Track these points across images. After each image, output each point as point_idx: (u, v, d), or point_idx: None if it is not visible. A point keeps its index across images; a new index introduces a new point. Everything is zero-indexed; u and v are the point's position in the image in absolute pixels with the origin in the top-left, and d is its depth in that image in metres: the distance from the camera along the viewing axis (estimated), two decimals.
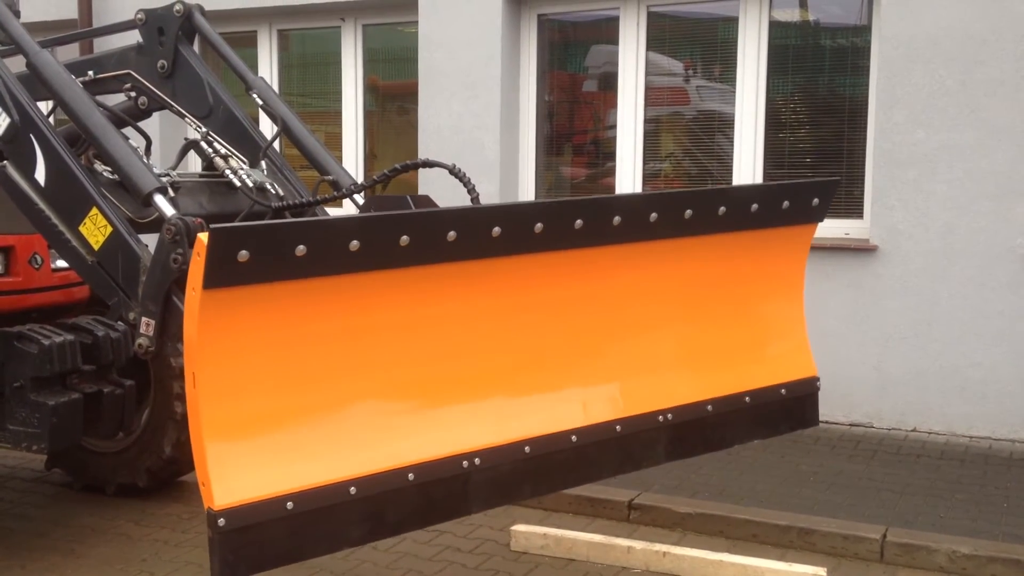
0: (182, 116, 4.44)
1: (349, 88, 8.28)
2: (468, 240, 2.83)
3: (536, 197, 7.65)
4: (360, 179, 8.29)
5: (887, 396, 6.47)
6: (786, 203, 3.52)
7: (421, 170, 7.58)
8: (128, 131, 4.17)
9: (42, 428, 4.29)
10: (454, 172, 3.64)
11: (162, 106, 4.52)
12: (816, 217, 3.67)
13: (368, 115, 8.39)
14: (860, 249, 6.47)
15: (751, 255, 3.58)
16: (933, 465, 5.76)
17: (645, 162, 7.29)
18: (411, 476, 2.86)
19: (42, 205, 3.72)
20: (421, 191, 7.27)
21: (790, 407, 3.79)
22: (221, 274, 2.46)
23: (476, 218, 2.90)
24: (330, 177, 4.30)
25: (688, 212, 3.28)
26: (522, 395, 3.18)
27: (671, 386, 3.48)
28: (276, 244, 2.52)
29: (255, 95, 4.45)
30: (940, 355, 6.33)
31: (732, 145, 6.99)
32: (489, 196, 7.38)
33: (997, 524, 4.84)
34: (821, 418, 6.48)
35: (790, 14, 7.02)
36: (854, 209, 6.72)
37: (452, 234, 2.78)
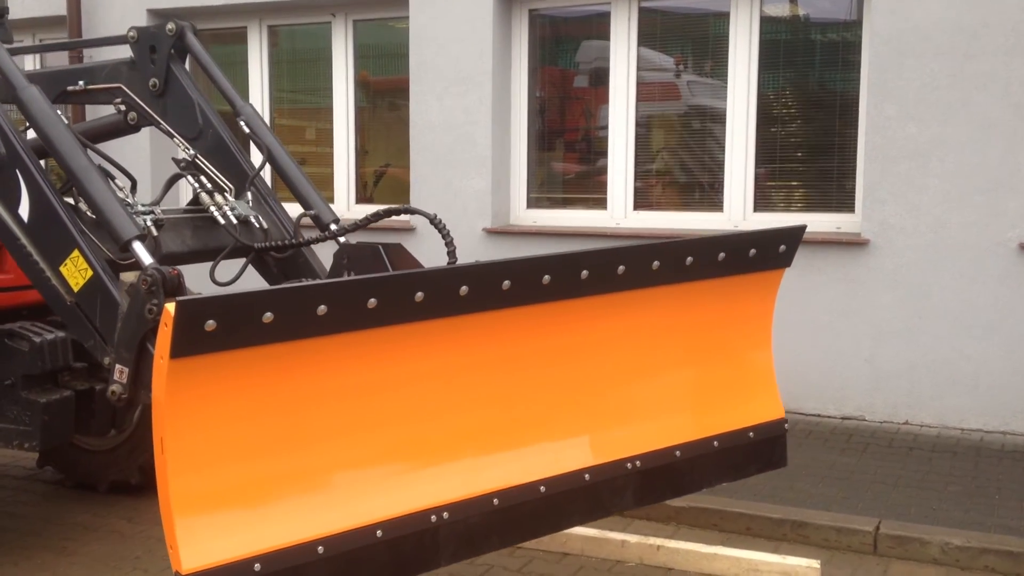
0: (171, 136, 4.44)
1: (340, 84, 8.27)
2: (435, 300, 2.83)
3: (528, 192, 7.65)
4: (348, 183, 8.30)
5: (879, 389, 6.49)
6: (753, 251, 3.55)
7: (412, 184, 7.64)
8: (112, 154, 4.16)
9: (34, 426, 4.27)
10: (434, 223, 3.70)
11: (151, 122, 4.52)
12: (783, 263, 3.70)
13: (359, 111, 8.37)
14: (852, 243, 6.49)
15: (719, 302, 3.60)
16: (925, 458, 5.78)
17: (637, 157, 7.29)
18: (379, 533, 2.84)
19: (24, 241, 3.68)
20: (413, 202, 7.30)
21: (759, 449, 3.80)
22: (188, 343, 2.45)
23: (443, 279, 2.89)
24: (312, 212, 4.34)
25: (655, 263, 3.29)
26: (491, 448, 3.16)
27: (639, 433, 3.48)
28: (243, 312, 2.52)
29: (242, 122, 4.45)
30: (932, 348, 6.35)
31: (724, 140, 6.99)
32: (481, 192, 7.39)
33: (989, 516, 4.87)
34: (813, 412, 6.58)
35: (781, 9, 7.03)
36: (846, 203, 6.73)
37: (419, 295, 2.79)
